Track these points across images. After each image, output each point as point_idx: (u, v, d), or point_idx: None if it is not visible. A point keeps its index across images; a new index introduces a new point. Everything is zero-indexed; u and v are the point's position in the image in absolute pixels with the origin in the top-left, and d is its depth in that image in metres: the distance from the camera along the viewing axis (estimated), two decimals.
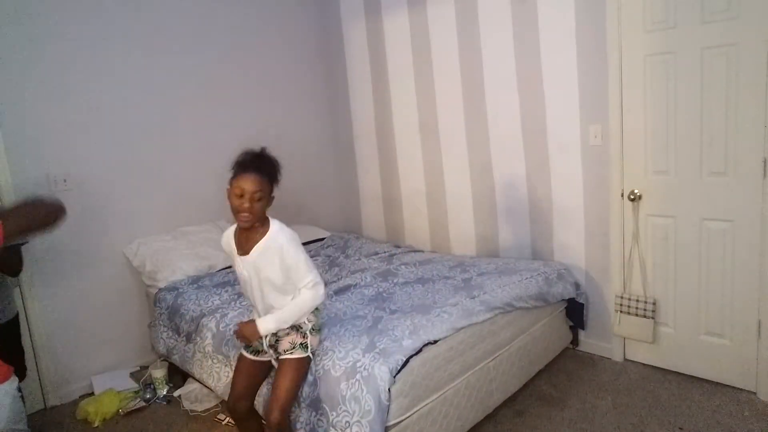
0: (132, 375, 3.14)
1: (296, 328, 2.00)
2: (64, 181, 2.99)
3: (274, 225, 1.94)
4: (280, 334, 1.99)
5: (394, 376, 1.97)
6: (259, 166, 1.89)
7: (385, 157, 4.03)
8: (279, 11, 3.97)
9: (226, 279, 3.11)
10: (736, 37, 2.32)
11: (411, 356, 2.05)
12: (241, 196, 1.84)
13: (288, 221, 4.12)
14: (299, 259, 1.91)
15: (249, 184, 1.84)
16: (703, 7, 2.38)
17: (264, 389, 2.22)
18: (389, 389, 1.95)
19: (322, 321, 2.21)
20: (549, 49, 2.93)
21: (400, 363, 2.00)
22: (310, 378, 2.10)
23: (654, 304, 2.75)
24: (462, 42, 3.33)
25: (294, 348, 1.99)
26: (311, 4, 4.16)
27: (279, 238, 1.90)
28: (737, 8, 2.29)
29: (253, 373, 2.09)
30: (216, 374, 2.60)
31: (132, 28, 3.23)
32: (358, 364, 2.01)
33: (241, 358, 2.12)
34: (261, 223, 1.92)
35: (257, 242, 1.91)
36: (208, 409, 2.80)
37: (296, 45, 4.09)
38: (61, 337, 3.01)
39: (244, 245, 1.94)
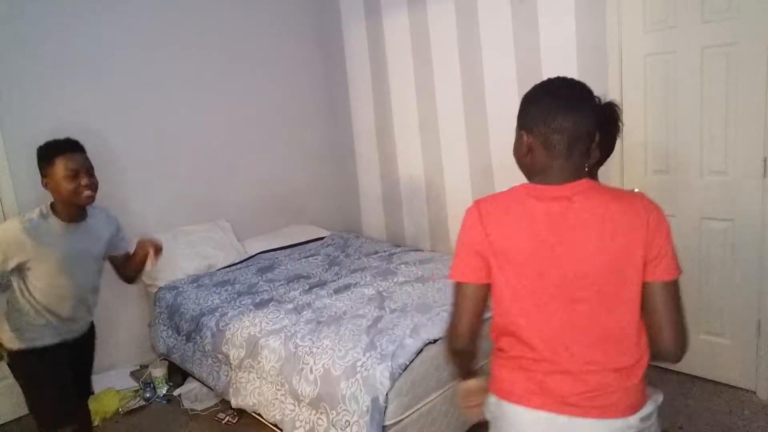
0: (132, 374, 3.14)
1: None
2: None
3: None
4: None
5: (394, 381, 1.97)
6: None
7: (385, 157, 4.03)
8: (279, 11, 3.97)
9: (226, 278, 3.12)
10: (736, 37, 2.32)
11: (412, 360, 2.05)
12: None
13: (288, 221, 4.18)
14: None
15: None
16: (703, 7, 2.38)
17: None
18: (387, 393, 1.94)
19: None
20: (549, 49, 2.93)
21: (403, 368, 2.00)
22: (310, 377, 2.10)
23: None
24: (462, 42, 3.33)
25: None
26: (311, 4, 4.16)
27: None
28: (737, 8, 2.30)
29: None
30: (216, 373, 2.61)
31: (131, 28, 3.23)
32: (359, 364, 2.02)
33: None
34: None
35: None
36: (207, 408, 2.80)
37: (296, 45, 4.09)
38: None
39: None
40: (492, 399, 1.24)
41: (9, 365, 1.99)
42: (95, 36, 3.09)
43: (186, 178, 3.52)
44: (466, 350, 1.25)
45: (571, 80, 1.20)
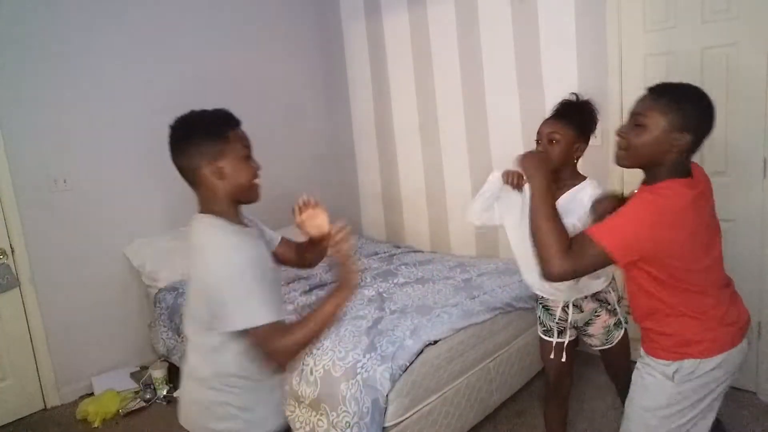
0: (132, 375, 3.14)
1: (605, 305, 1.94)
2: (64, 181, 2.99)
3: (588, 183, 1.85)
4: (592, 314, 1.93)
5: (394, 383, 1.97)
6: (565, 112, 1.85)
7: (385, 157, 4.03)
8: (279, 11, 3.96)
9: None
10: (736, 37, 2.32)
11: (412, 361, 2.05)
12: (538, 141, 1.82)
13: (288, 221, 4.16)
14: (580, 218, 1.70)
15: (544, 126, 1.82)
16: (703, 7, 2.38)
17: None
18: (387, 394, 1.94)
19: None
20: (549, 49, 2.92)
21: (403, 369, 2.00)
22: (310, 378, 2.10)
23: None
24: (462, 42, 3.32)
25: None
26: (311, 4, 4.15)
27: (580, 195, 1.79)
28: (737, 8, 2.29)
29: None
30: None
31: (131, 28, 3.22)
32: (359, 365, 2.01)
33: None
34: (571, 176, 1.86)
35: (562, 194, 1.81)
36: None
37: (296, 45, 4.09)
38: (61, 337, 3.01)
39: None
40: (690, 364, 1.44)
41: None
42: (95, 37, 3.08)
43: None
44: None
45: None
